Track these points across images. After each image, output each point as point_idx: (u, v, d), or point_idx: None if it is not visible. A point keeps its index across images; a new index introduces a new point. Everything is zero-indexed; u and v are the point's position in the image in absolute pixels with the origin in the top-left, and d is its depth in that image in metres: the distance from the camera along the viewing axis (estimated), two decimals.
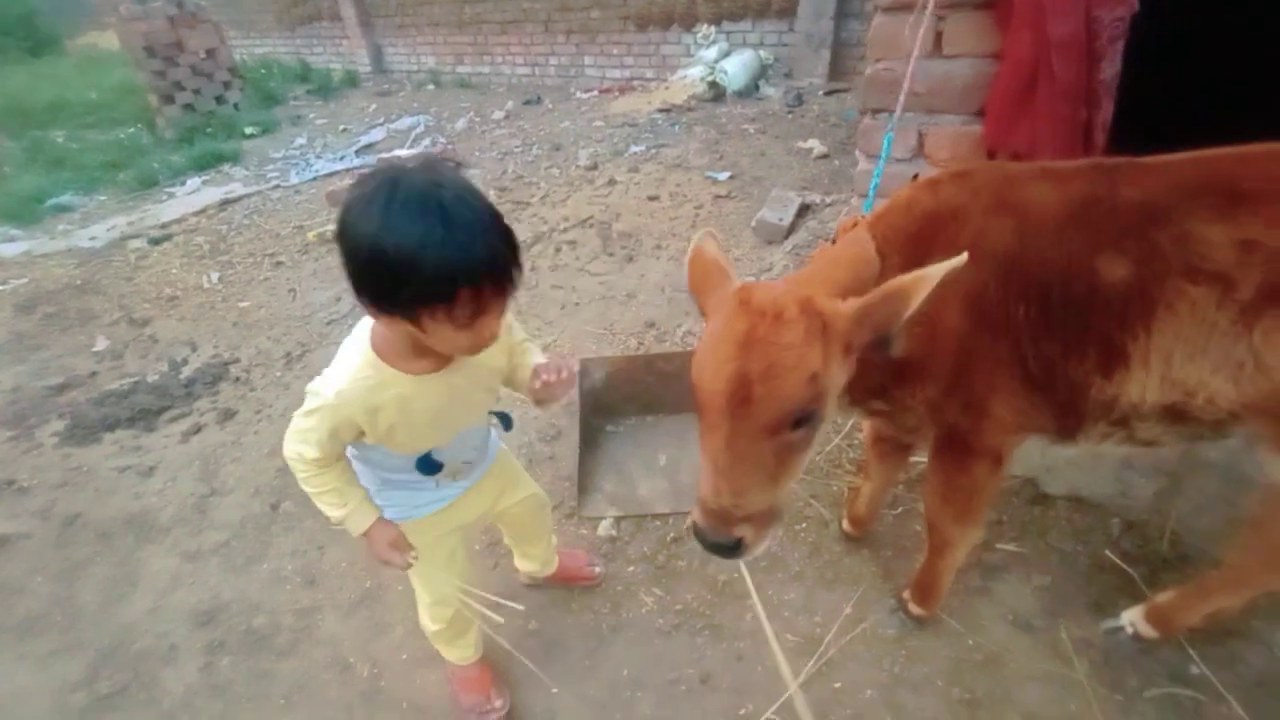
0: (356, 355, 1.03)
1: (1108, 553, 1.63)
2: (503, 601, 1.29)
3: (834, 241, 1.30)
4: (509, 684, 1.54)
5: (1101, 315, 1.05)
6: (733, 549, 0.96)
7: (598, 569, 1.75)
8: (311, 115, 7.42)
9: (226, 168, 5.80)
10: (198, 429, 2.51)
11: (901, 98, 1.57)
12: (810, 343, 0.90)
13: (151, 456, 2.39)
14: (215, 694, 1.59)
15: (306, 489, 1.11)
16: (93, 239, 4.48)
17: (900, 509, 1.84)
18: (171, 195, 5.29)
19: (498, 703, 1.47)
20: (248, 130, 6.79)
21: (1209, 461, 1.66)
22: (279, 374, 2.78)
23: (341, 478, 1.12)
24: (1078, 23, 1.39)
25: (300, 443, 1.06)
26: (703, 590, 1.70)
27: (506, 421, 1.31)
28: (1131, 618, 1.43)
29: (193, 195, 5.25)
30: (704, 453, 0.96)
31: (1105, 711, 1.33)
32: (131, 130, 7.04)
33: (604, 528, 1.89)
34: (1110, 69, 1.46)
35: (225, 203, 4.93)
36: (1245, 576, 1.27)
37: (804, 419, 0.93)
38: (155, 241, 4.30)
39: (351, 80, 8.90)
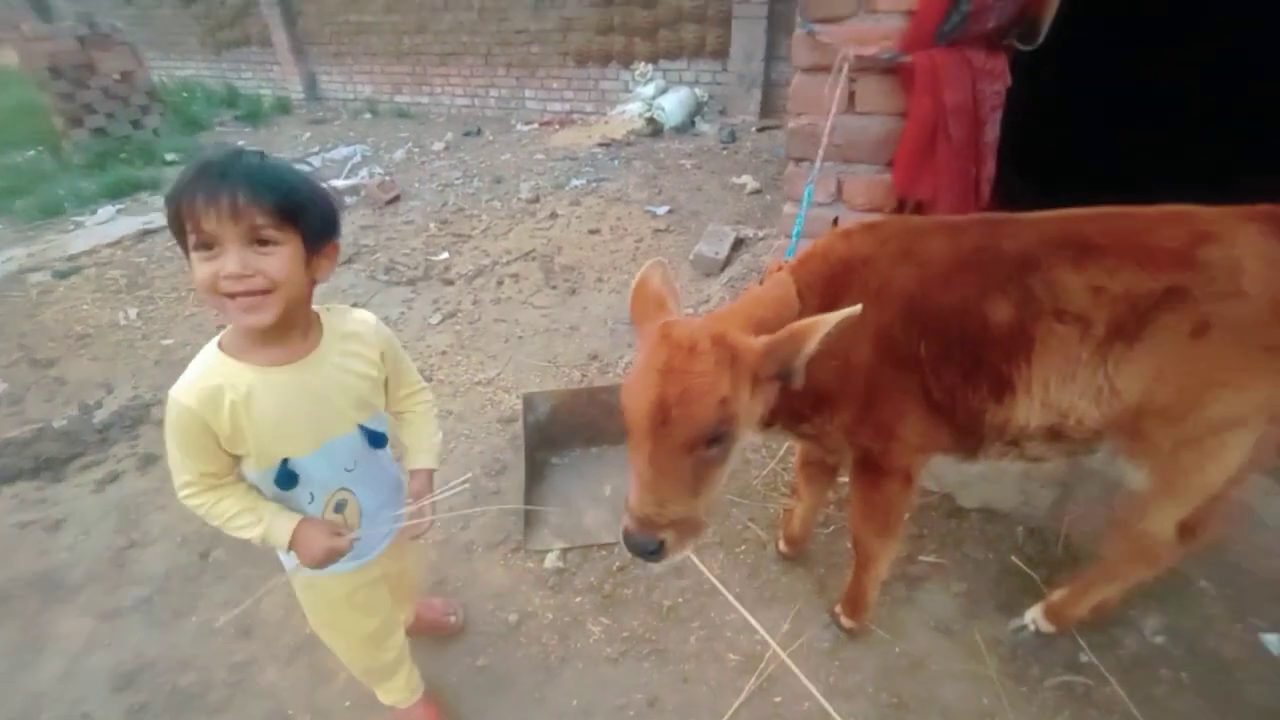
0: (202, 355, 1.04)
1: (1013, 558, 1.79)
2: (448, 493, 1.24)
3: (762, 281, 1.43)
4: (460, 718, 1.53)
5: (991, 350, 1.21)
6: (655, 552, 1.06)
7: (452, 618, 1.72)
8: (240, 143, 7.16)
9: (145, 196, 5.52)
10: (114, 477, 2.37)
11: (821, 151, 1.73)
12: (720, 372, 1.02)
13: (59, 509, 2.23)
14: None
15: (214, 522, 1.06)
16: None
17: (832, 528, 1.96)
18: (80, 225, 4.98)
19: None
20: (169, 157, 6.48)
21: (1093, 470, 1.86)
22: None
23: (246, 497, 1.07)
24: (966, 93, 1.58)
25: (176, 472, 1.03)
26: (648, 616, 1.75)
27: (375, 439, 1.19)
28: (1033, 616, 1.59)
29: (106, 225, 4.96)
30: (631, 467, 1.07)
31: (1013, 702, 1.47)
32: (31, 154, 6.60)
33: (550, 560, 1.91)
34: (992, 133, 1.67)
35: (145, 233, 4.70)
36: (1116, 570, 1.45)
37: (716, 438, 1.04)
38: (62, 275, 4.04)
39: (283, 107, 8.68)
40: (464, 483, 1.27)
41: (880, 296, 1.26)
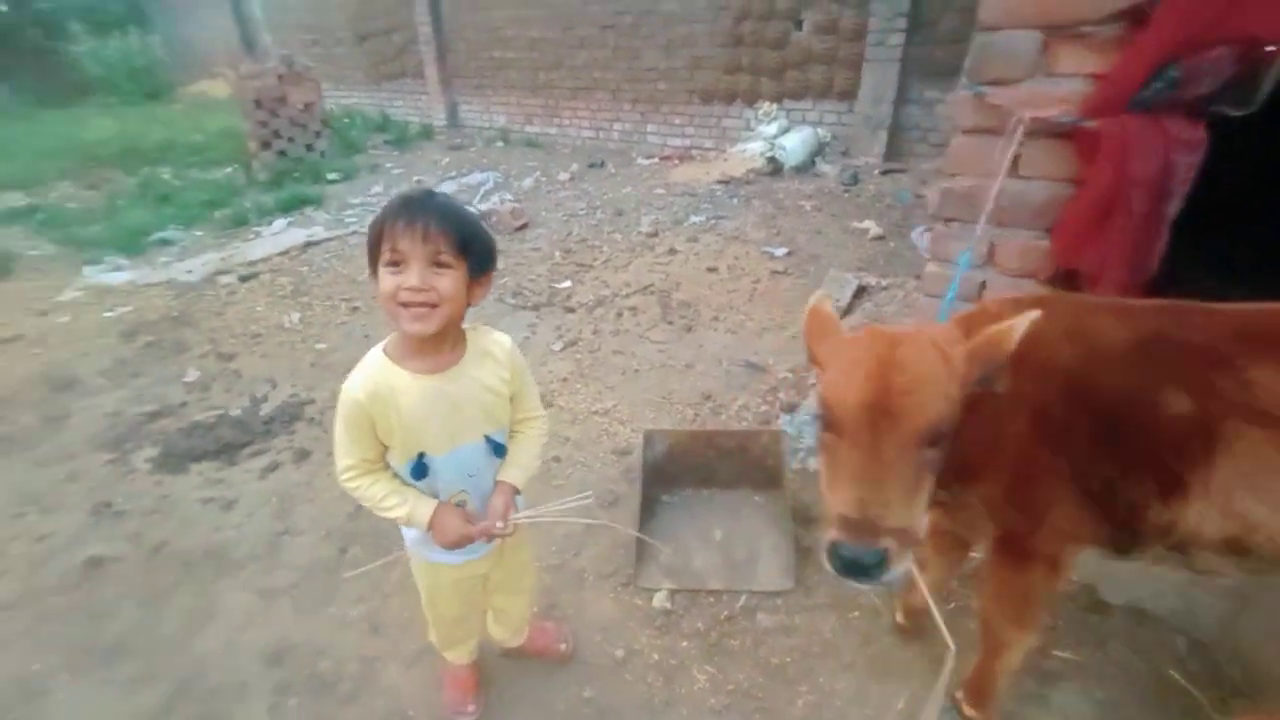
0: (369, 357, 1.23)
1: (1173, 672, 1.59)
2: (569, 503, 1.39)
3: None
4: None
5: (1162, 444, 1.11)
6: (876, 565, 0.95)
7: (563, 645, 1.78)
8: (388, 165, 7.97)
9: (309, 210, 6.25)
10: (275, 466, 2.67)
11: (985, 215, 1.68)
12: (943, 367, 1.00)
13: (232, 490, 2.55)
14: None
15: (366, 503, 1.24)
16: (189, 272, 4.87)
17: (953, 604, 1.84)
18: (259, 235, 5.72)
19: (470, 708, 1.64)
20: (330, 176, 7.33)
21: (1277, 585, 1.62)
22: None
23: (394, 483, 1.25)
24: (1157, 164, 1.47)
25: (340, 455, 1.22)
26: (755, 672, 1.72)
27: (498, 449, 1.34)
28: None
29: (278, 235, 5.66)
30: (843, 471, 1.00)
31: None
32: (229, 170, 7.69)
33: (659, 599, 1.93)
34: (1175, 206, 1.54)
35: (308, 245, 5.31)
36: None
37: (937, 438, 0.99)
38: (244, 279, 4.65)
39: (426, 133, 9.55)
40: (585, 498, 1.40)
41: (1042, 371, 1.19)
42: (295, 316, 3.97)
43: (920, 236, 4.15)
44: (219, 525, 2.37)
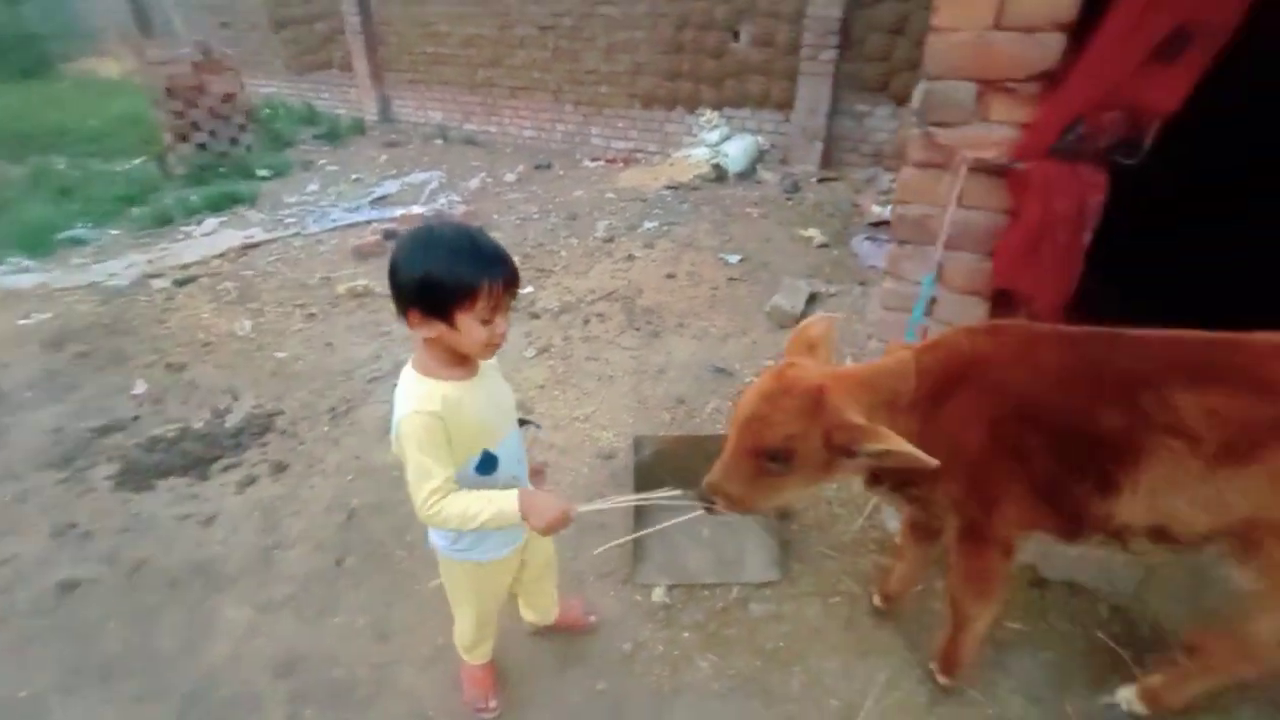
0: (409, 381, 1.28)
1: (1099, 634, 1.91)
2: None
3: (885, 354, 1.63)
4: None
5: (1099, 451, 1.35)
6: (708, 507, 1.45)
7: (592, 618, 1.98)
8: (322, 161, 7.64)
9: (242, 210, 5.95)
10: (251, 480, 2.61)
11: (939, 245, 1.93)
12: (797, 415, 1.31)
13: (209, 505, 2.48)
14: None
15: (452, 523, 1.25)
16: (114, 276, 4.54)
17: (921, 587, 2.09)
18: (188, 235, 5.40)
19: (492, 704, 1.74)
20: (261, 173, 6.96)
21: (1177, 559, 1.97)
22: (326, 429, 2.92)
23: (471, 493, 1.28)
24: (1074, 203, 1.77)
25: (423, 480, 1.23)
26: (752, 657, 1.91)
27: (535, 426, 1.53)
28: (1126, 696, 1.69)
29: (211, 237, 5.36)
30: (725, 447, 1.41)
31: None
32: (138, 163, 7.13)
33: (657, 595, 2.08)
34: (1088, 238, 1.85)
35: (246, 247, 5.07)
36: (1218, 666, 1.54)
37: (775, 458, 1.34)
38: (180, 283, 4.40)
39: (359, 128, 9.20)
40: (673, 494, 1.67)
41: (996, 392, 1.43)
42: (247, 324, 3.82)
43: (861, 244, 4.51)
44: (201, 541, 2.31)
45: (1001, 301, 2.17)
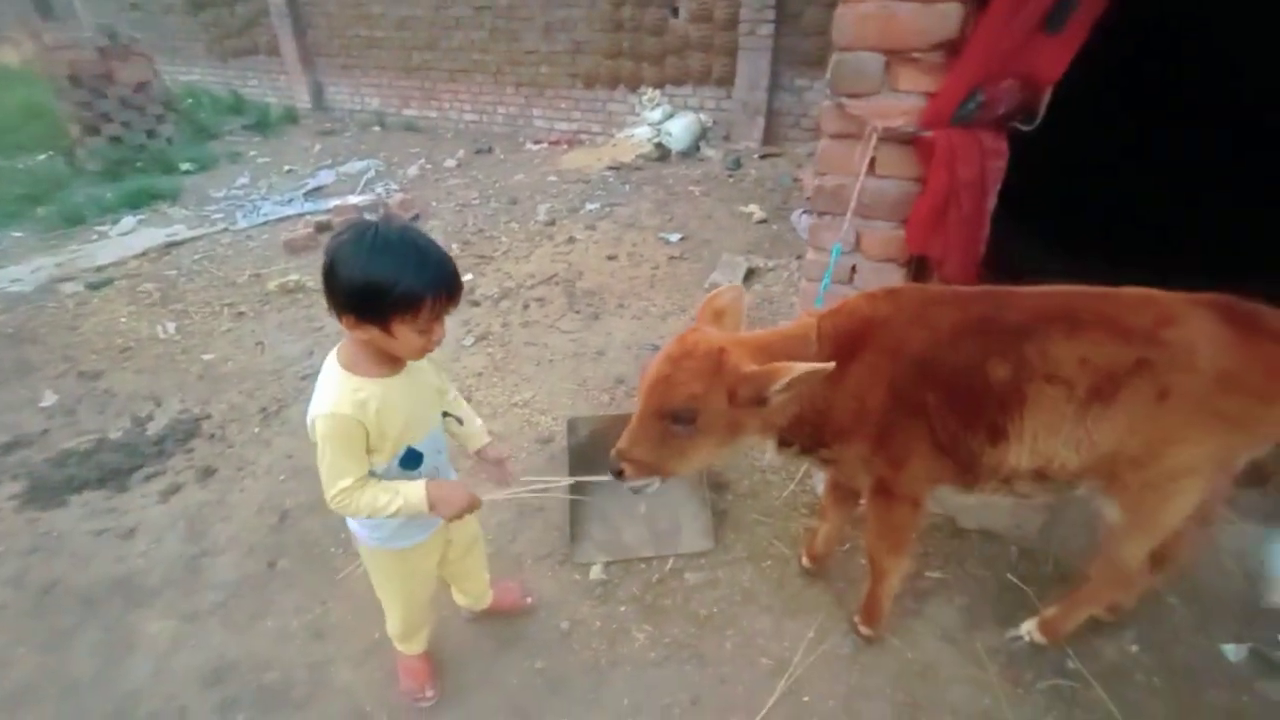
0: (331, 374, 1.26)
1: (1009, 576, 2.02)
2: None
3: None
4: (523, 715, 1.72)
5: (989, 403, 1.44)
6: (617, 474, 1.51)
7: (529, 599, 1.99)
8: (251, 153, 7.31)
9: (164, 206, 5.65)
10: (176, 488, 2.52)
11: (850, 213, 1.97)
12: (698, 376, 1.37)
13: (129, 518, 2.39)
14: None
15: (362, 513, 1.28)
16: (17, 281, 4.28)
17: (848, 545, 2.17)
18: (103, 235, 5.10)
19: (429, 693, 1.75)
20: (184, 166, 6.61)
21: (1076, 499, 2.10)
22: (257, 430, 2.83)
23: (381, 484, 1.30)
24: (977, 169, 1.82)
25: (336, 478, 1.25)
26: (687, 624, 1.95)
27: (457, 420, 1.55)
28: (1028, 628, 1.82)
29: (129, 236, 5.08)
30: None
31: (1010, 703, 1.69)
32: (43, 158, 6.68)
33: (595, 572, 2.11)
34: (992, 202, 1.92)
35: (169, 245, 4.83)
36: (1099, 592, 1.68)
37: (679, 419, 1.41)
38: (94, 286, 4.17)
39: (291, 116, 8.81)
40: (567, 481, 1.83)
41: (895, 352, 1.49)
42: (170, 326, 3.65)
43: (799, 219, 4.57)
44: (120, 556, 2.23)
45: (920, 268, 2.24)
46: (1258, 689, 1.69)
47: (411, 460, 1.37)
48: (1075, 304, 1.40)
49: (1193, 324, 1.32)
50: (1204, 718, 1.65)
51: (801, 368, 1.30)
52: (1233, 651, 1.76)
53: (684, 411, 1.40)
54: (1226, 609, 1.88)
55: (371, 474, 1.30)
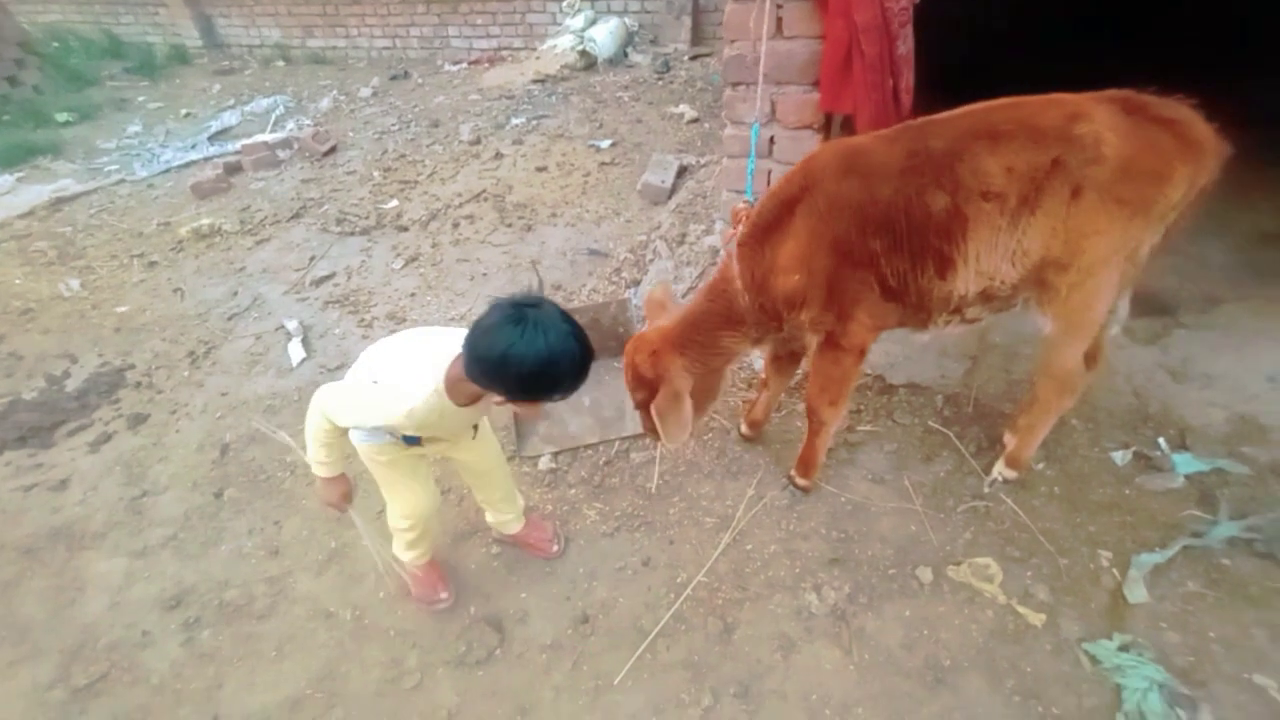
0: (430, 384, 1.29)
1: (932, 421, 2.15)
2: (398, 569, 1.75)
3: (734, 226, 1.68)
4: (483, 596, 1.80)
5: (934, 235, 1.46)
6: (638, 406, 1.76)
7: (555, 547, 1.89)
8: (140, 99, 6.66)
9: (45, 161, 5.16)
10: (107, 437, 2.44)
11: (760, 78, 1.92)
12: (640, 385, 1.68)
13: (59, 470, 2.31)
14: (204, 661, 1.71)
15: (314, 442, 1.39)
16: None
17: (784, 412, 2.27)
18: None
19: (443, 595, 1.78)
20: (61, 118, 5.99)
21: (994, 345, 2.23)
22: (186, 374, 2.73)
23: (339, 441, 1.42)
24: (875, 11, 1.79)
25: (341, 414, 1.34)
26: (635, 498, 2.04)
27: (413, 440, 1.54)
28: (998, 469, 1.92)
29: (8, 196, 4.64)
30: None
31: (934, 526, 1.84)
32: None
33: (544, 463, 2.16)
34: (904, 46, 1.89)
35: (59, 201, 4.45)
36: (1047, 407, 1.76)
37: (643, 393, 1.68)
38: None
39: (181, 56, 8.01)
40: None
41: (831, 211, 1.50)
42: (74, 283, 3.42)
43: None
44: (56, 507, 2.17)
45: (843, 131, 2.23)
46: (1137, 483, 1.88)
47: (412, 440, 1.50)
48: (992, 117, 1.42)
49: (1099, 118, 1.35)
50: (1093, 510, 1.84)
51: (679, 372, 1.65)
52: (1119, 457, 1.94)
53: (642, 389, 1.68)
54: (1117, 422, 2.05)
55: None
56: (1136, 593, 1.60)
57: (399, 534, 1.67)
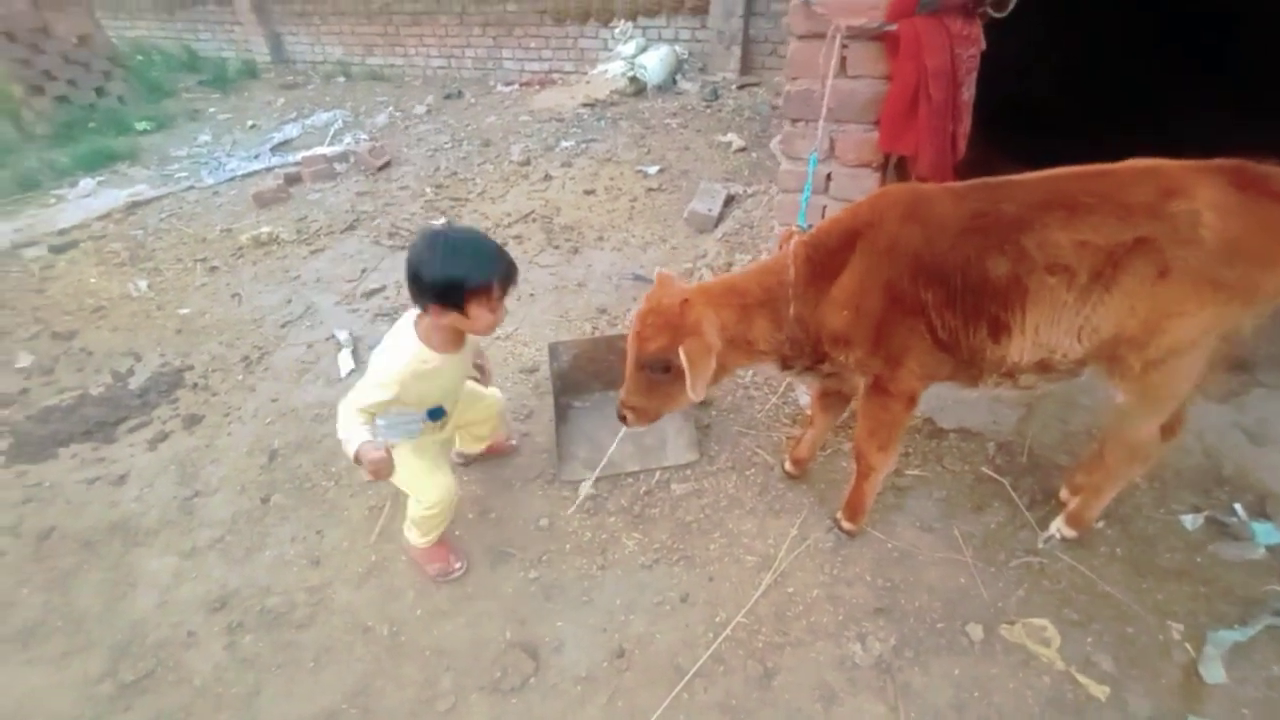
0: (410, 346, 1.56)
1: (984, 468, 2.09)
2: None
3: (780, 247, 1.67)
4: (518, 622, 1.79)
5: (990, 299, 1.42)
6: (623, 419, 1.75)
7: (513, 441, 2.31)
8: (211, 110, 7.02)
9: (123, 167, 5.46)
10: (164, 436, 2.53)
11: (822, 116, 1.92)
12: (661, 330, 1.54)
13: (119, 466, 2.40)
14: (245, 667, 1.74)
15: (340, 423, 1.52)
16: None
17: (829, 450, 2.23)
18: (61, 199, 4.93)
19: (457, 564, 1.92)
20: (140, 126, 6.35)
21: (1051, 392, 2.15)
22: (240, 378, 2.82)
23: (361, 425, 1.53)
24: (945, 57, 1.78)
25: (370, 396, 1.52)
26: (675, 530, 2.01)
27: (436, 414, 1.70)
28: (1057, 525, 1.84)
29: (89, 199, 4.92)
30: None
31: (984, 580, 1.77)
32: None
33: (584, 489, 2.15)
34: (968, 93, 1.87)
35: (133, 205, 4.69)
36: (1116, 473, 1.68)
37: (656, 368, 1.58)
38: (58, 250, 4.06)
39: (250, 71, 8.43)
40: None
41: (889, 253, 1.47)
42: (143, 284, 3.58)
43: (778, 145, 4.48)
44: (114, 501, 2.25)
45: (898, 175, 2.21)
46: (1210, 550, 1.78)
47: (436, 414, 1.67)
48: (1072, 187, 1.36)
49: (1200, 195, 1.26)
50: (1160, 576, 1.74)
51: (711, 326, 1.54)
52: (1190, 521, 1.84)
53: (655, 362, 1.57)
54: (1185, 482, 1.96)
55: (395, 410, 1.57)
56: (1214, 673, 1.50)
57: (424, 521, 1.81)
